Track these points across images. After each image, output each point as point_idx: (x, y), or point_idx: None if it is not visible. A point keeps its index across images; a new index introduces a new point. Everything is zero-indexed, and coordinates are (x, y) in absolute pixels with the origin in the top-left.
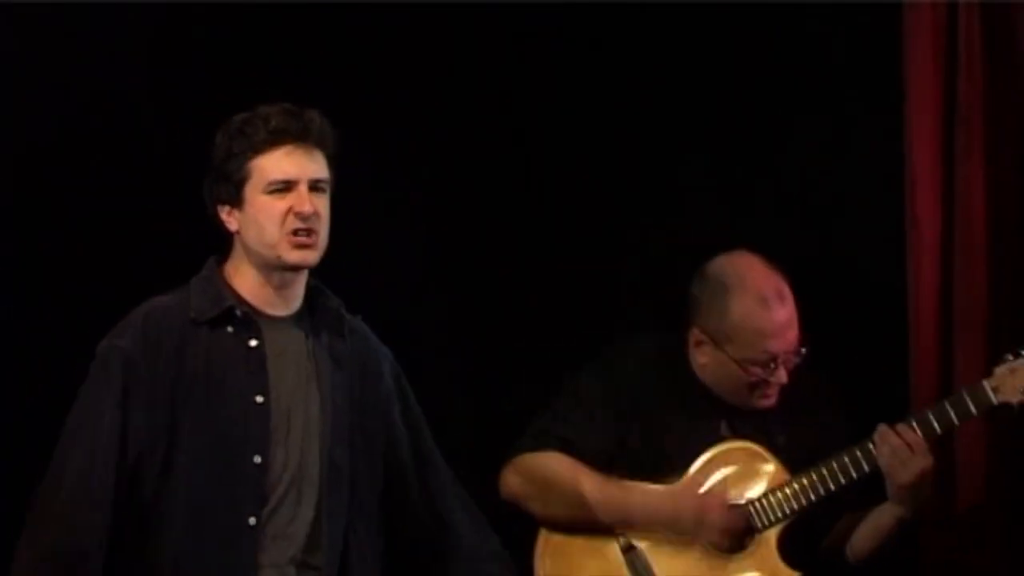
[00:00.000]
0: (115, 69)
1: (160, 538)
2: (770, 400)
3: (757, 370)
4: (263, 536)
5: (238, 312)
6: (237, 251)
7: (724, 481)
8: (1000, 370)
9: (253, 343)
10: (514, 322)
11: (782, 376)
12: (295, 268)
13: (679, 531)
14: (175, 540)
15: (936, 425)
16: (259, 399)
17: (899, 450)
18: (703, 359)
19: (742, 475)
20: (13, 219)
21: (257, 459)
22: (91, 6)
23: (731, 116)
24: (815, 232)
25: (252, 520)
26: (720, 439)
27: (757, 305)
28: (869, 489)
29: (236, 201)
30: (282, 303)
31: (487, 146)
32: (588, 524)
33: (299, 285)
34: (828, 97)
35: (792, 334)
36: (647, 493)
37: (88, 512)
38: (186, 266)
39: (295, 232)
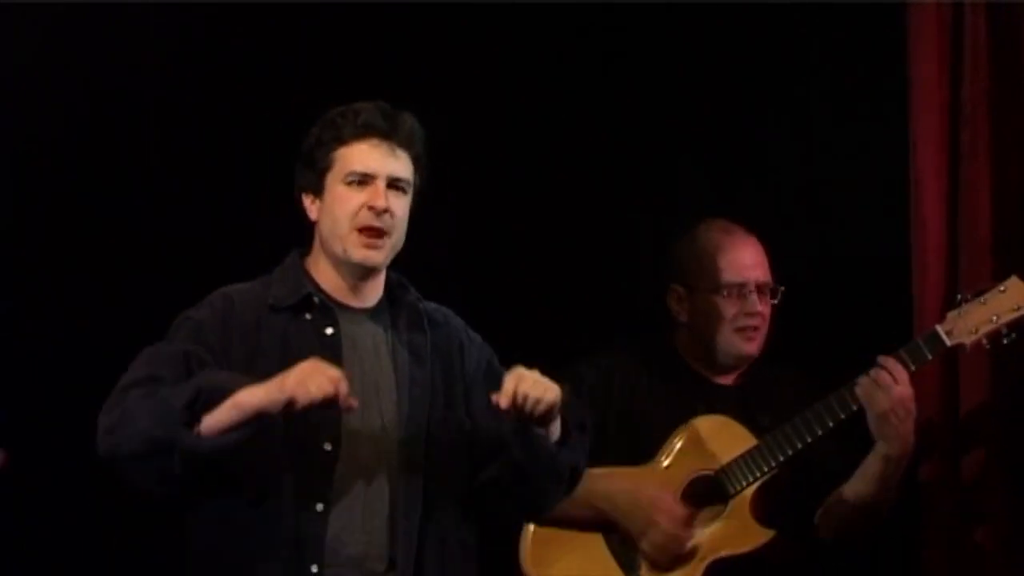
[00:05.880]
0: (122, 70)
1: (235, 511)
2: (754, 343)
3: (732, 299)
4: (332, 524)
5: (316, 300)
6: (316, 242)
7: (692, 456)
8: (951, 314)
9: (329, 331)
10: (517, 322)
11: (756, 304)
12: (360, 266)
13: (633, 528)
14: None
15: None
16: None
17: (879, 377)
18: (684, 316)
19: (711, 446)
20: (16, 220)
21: (327, 446)
22: (97, 7)
23: (734, 116)
24: (820, 232)
25: (320, 506)
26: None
27: (722, 232)
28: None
29: (318, 189)
30: (358, 297)
31: (488, 149)
32: (563, 517)
33: (375, 282)
34: (832, 97)
35: (761, 271)
36: (611, 483)
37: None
38: (192, 265)
39: (365, 229)
